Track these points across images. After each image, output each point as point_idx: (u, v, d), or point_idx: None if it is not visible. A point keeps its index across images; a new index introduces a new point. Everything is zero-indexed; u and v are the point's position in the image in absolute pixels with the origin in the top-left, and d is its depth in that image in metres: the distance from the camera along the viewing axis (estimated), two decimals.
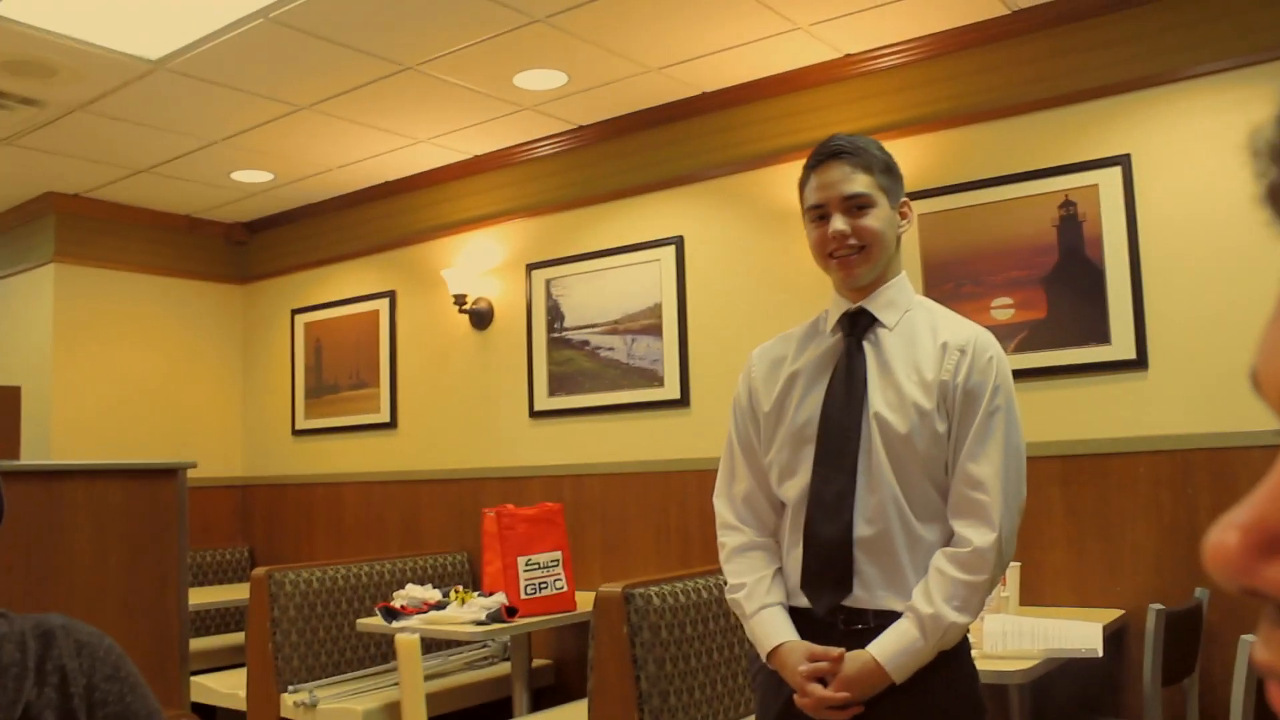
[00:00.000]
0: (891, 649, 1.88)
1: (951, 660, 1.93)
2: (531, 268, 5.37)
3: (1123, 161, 3.88)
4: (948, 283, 4.17)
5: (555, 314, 5.27)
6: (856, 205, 1.98)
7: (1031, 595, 3.83)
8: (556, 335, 5.25)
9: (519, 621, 3.99)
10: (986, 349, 1.98)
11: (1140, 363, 3.80)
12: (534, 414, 5.29)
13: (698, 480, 4.70)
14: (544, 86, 4.62)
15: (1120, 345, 3.85)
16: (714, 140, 4.82)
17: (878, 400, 1.96)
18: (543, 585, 4.15)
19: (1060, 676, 3.65)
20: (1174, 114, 3.83)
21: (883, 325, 2.03)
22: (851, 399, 1.97)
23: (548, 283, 5.31)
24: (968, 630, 1.95)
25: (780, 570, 2.05)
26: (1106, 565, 3.80)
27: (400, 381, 5.90)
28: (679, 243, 4.89)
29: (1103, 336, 3.88)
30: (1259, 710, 2.62)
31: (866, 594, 1.93)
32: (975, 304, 4.08)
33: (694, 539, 4.74)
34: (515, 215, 5.47)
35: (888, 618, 1.92)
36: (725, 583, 2.10)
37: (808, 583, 1.98)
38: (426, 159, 5.53)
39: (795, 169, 4.41)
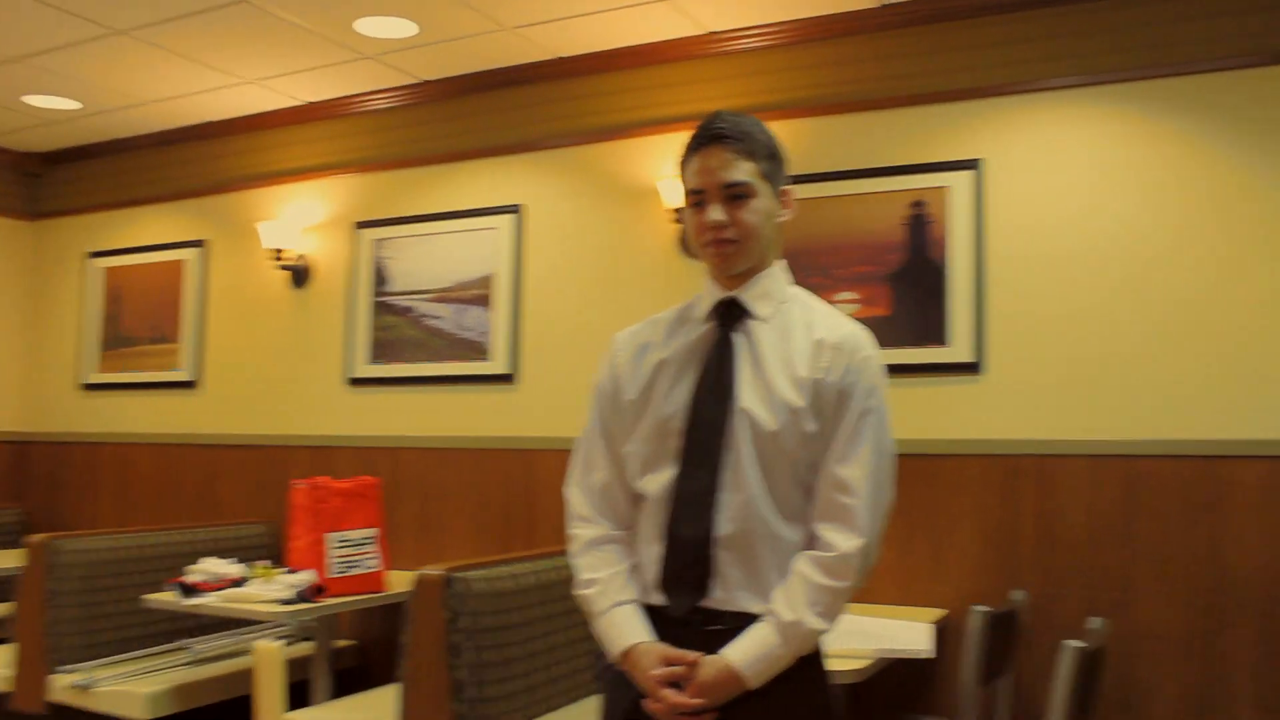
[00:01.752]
0: (750, 654, 1.83)
1: (807, 665, 1.89)
2: (359, 226, 5.15)
3: (974, 166, 3.94)
4: (794, 273, 4.14)
5: (381, 277, 5.06)
6: (736, 194, 1.92)
7: (858, 592, 3.85)
8: (381, 299, 5.04)
9: (327, 601, 3.78)
10: (861, 348, 1.94)
11: (977, 367, 3.87)
12: (351, 381, 5.08)
13: (522, 460, 4.61)
14: (390, 35, 4.40)
15: (959, 348, 3.91)
16: (564, 108, 4.70)
17: (748, 395, 1.91)
18: (354, 563, 3.96)
19: (878, 675, 3.68)
20: (1027, 123, 3.90)
21: (756, 317, 1.98)
22: (720, 392, 1.92)
23: (375, 243, 5.09)
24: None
25: (634, 566, 1.98)
26: (932, 565, 3.86)
27: (207, 338, 5.56)
28: (518, 212, 4.77)
29: (943, 338, 3.93)
30: (1078, 710, 2.68)
31: (726, 595, 1.87)
32: (820, 296, 4.07)
33: (515, 521, 4.63)
34: (345, 170, 5.22)
35: (746, 619, 1.86)
36: (576, 577, 2.02)
37: (666, 582, 1.91)
38: (252, 101, 5.21)
39: (647, 144, 4.56)
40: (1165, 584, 3.56)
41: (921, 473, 3.87)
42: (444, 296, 4.88)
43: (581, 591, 1.99)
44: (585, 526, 2.03)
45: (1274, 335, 3.53)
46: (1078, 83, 3.82)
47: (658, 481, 1.94)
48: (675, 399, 1.95)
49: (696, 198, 1.95)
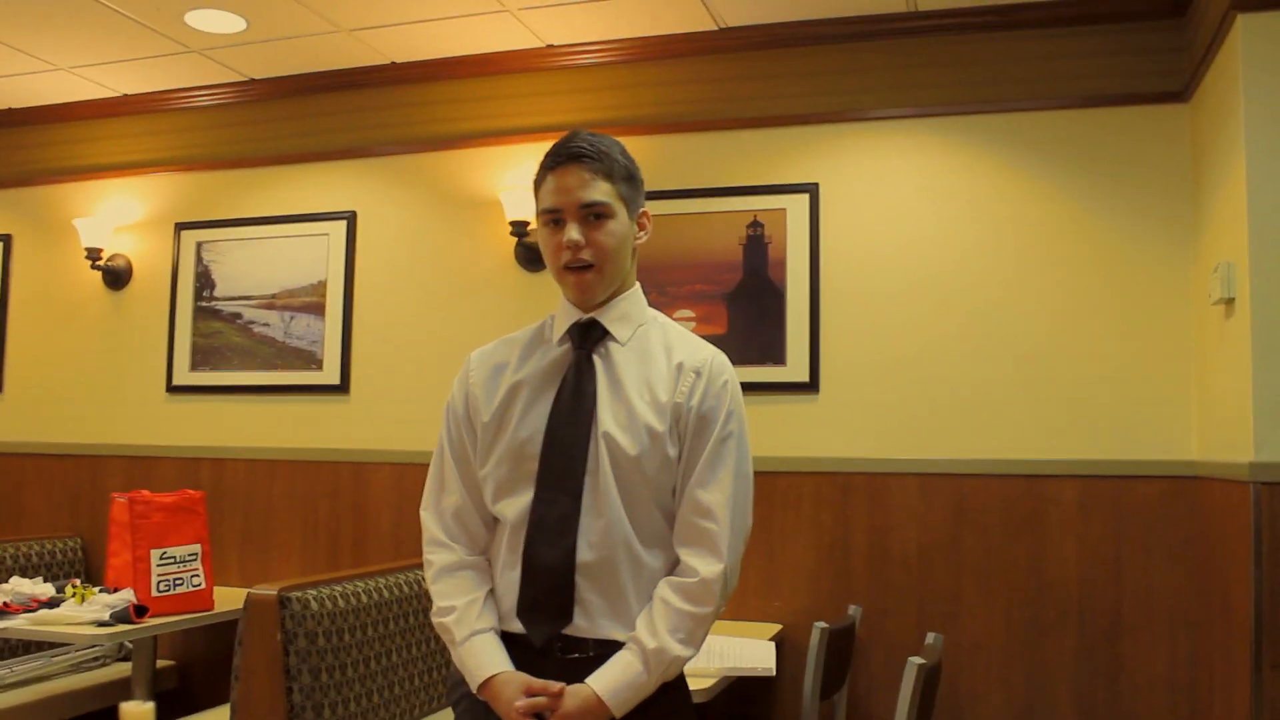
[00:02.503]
0: (614, 683, 1.82)
1: (671, 691, 1.89)
2: (181, 227, 4.95)
3: (810, 190, 4.05)
4: None
5: (205, 281, 4.88)
6: (594, 214, 1.91)
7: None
8: (205, 305, 4.86)
9: (149, 622, 3.62)
10: (722, 372, 1.95)
11: (812, 386, 3.98)
12: (172, 388, 4.88)
13: (353, 473, 4.53)
14: (219, 29, 4.23)
15: (795, 367, 4.00)
16: (399, 115, 4.62)
17: (607, 419, 1.89)
18: (178, 582, 3.80)
19: (720, 692, 3.74)
20: (861, 150, 4.03)
21: (614, 339, 1.97)
22: (579, 416, 1.90)
23: (199, 246, 4.90)
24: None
25: (492, 592, 1.96)
26: (767, 581, 3.94)
27: (10, 339, 5.24)
28: (351, 219, 4.68)
29: (779, 357, 4.02)
30: None
31: (587, 623, 1.86)
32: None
33: (344, 536, 4.53)
34: (167, 167, 5.01)
35: (609, 647, 1.86)
36: (434, 604, 1.97)
37: (525, 610, 1.89)
38: (65, 89, 4.94)
39: (487, 155, 4.56)
40: (990, 597, 3.72)
41: (758, 490, 3.80)
42: (272, 303, 4.75)
43: (439, 619, 1.95)
44: (440, 551, 1.99)
45: (1090, 360, 3.74)
46: (911, 114, 3.98)
47: (515, 506, 1.91)
48: (531, 421, 1.93)
49: (552, 216, 1.92)
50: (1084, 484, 3.67)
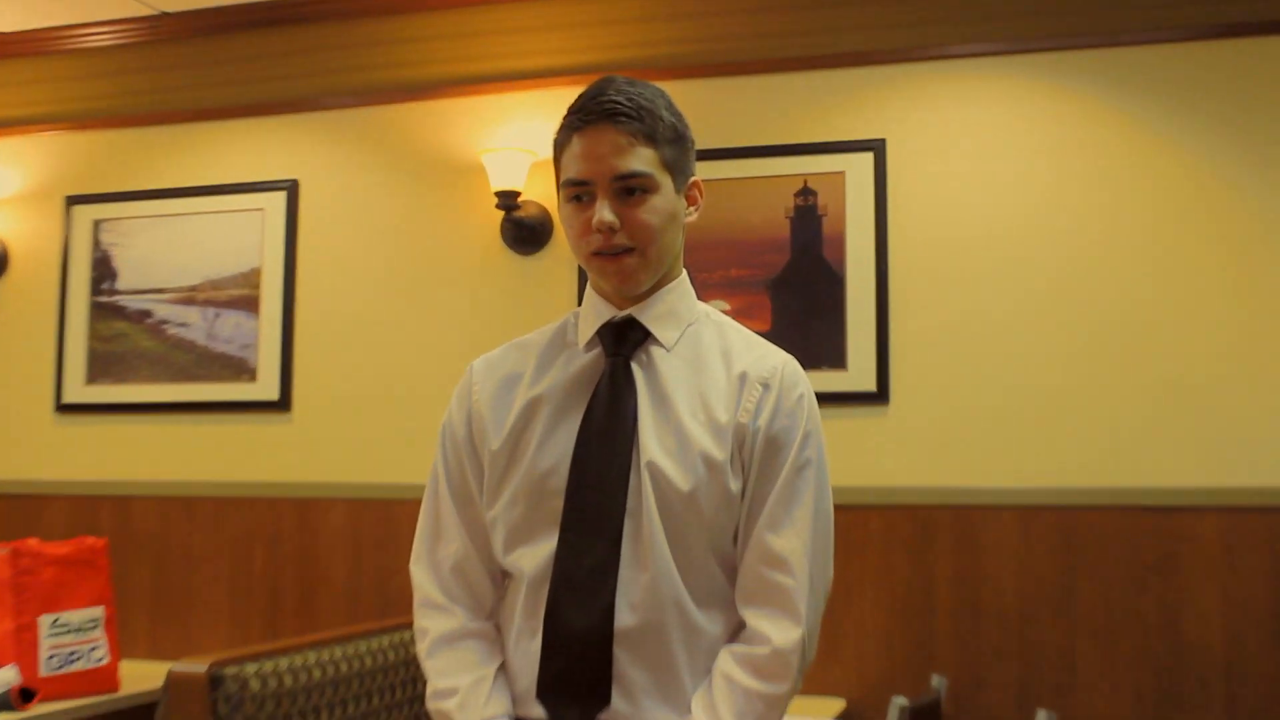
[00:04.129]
0: None
1: None
2: (72, 201, 4.97)
3: (875, 147, 4.06)
4: None
5: (105, 270, 4.88)
6: (632, 188, 1.90)
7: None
8: (105, 300, 4.87)
9: (38, 710, 3.59)
10: (796, 384, 1.95)
11: (881, 395, 3.97)
12: (62, 407, 4.89)
13: (297, 511, 4.54)
14: None
15: (858, 372, 3.99)
16: (355, 57, 4.62)
17: (652, 445, 1.89)
18: (74, 656, 3.77)
19: None
20: (940, 96, 4.05)
21: (659, 343, 1.97)
22: (616, 441, 1.89)
23: (96, 225, 4.92)
24: None
25: (504, 668, 1.96)
26: (828, 644, 3.88)
27: None
28: (292, 189, 4.69)
29: (838, 360, 4.01)
30: None
31: (629, 706, 1.85)
32: None
33: (287, 594, 4.52)
34: (54, 125, 5.01)
35: None
36: (430, 684, 1.97)
37: (548, 689, 1.87)
38: None
39: (467, 107, 4.51)
40: (1113, 663, 3.70)
41: None
42: (192, 297, 4.75)
43: (437, 704, 1.94)
44: (437, 616, 1.99)
45: (1236, 360, 3.72)
46: (1004, 49, 3.98)
47: (534, 557, 1.90)
48: (554, 448, 1.92)
49: (578, 190, 1.91)
50: (1231, 518, 3.65)
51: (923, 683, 3.78)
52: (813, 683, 3.89)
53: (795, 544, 1.87)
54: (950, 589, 3.86)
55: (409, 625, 2.13)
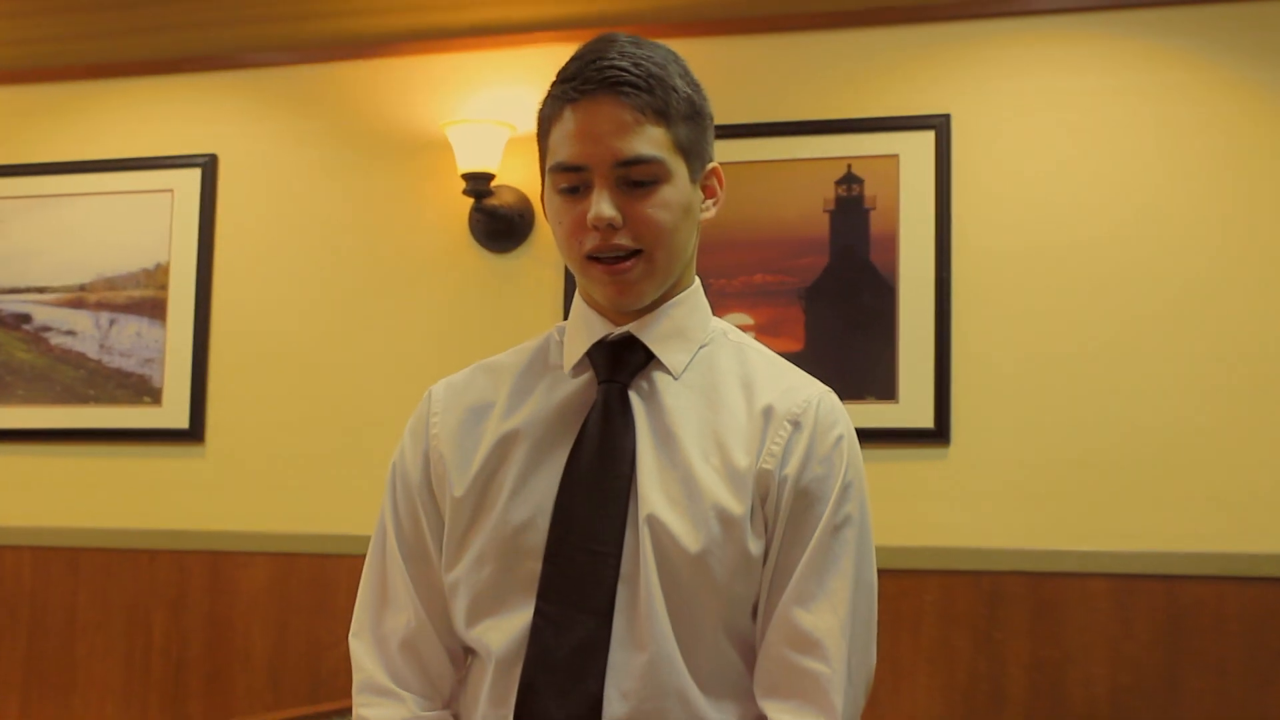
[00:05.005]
0: None
1: None
2: None
3: (938, 124, 4.02)
4: None
5: None
6: (638, 178, 1.83)
7: None
8: None
9: None
10: (834, 423, 1.90)
11: (940, 434, 3.94)
12: None
13: (208, 568, 4.48)
14: None
15: (912, 405, 3.96)
16: (288, 3, 4.57)
17: (654, 495, 1.84)
18: None
19: None
20: (1016, 62, 4.00)
21: (664, 368, 1.93)
22: (608, 488, 1.85)
23: None
24: None
25: None
26: None
27: None
28: (209, 166, 4.64)
29: (888, 390, 4.00)
30: None
31: None
32: None
33: (194, 669, 4.45)
34: None
35: None
36: None
37: None
38: None
39: (423, 68, 4.47)
40: None
41: None
42: (82, 299, 4.72)
43: None
44: (381, 705, 1.95)
45: None
46: (1096, 2, 3.94)
47: (504, 631, 1.86)
48: (532, 497, 1.89)
49: (571, 178, 1.86)
50: None
51: None
52: None
53: (830, 622, 1.82)
54: (1025, 676, 3.80)
55: (346, 712, 2.13)
